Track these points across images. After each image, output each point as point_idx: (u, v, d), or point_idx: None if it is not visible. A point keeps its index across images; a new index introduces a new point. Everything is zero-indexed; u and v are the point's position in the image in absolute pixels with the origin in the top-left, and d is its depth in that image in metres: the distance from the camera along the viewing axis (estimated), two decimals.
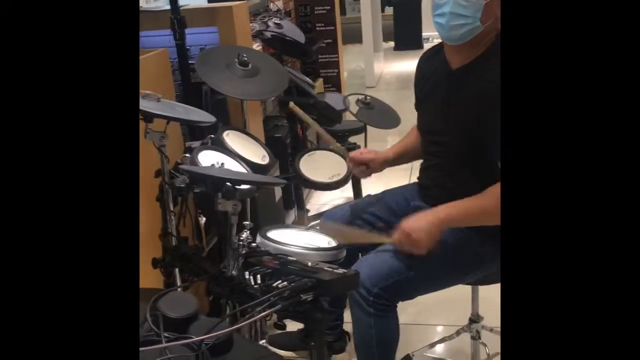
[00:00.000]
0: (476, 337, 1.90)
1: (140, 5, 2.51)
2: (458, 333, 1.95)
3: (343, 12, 8.61)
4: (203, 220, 1.76)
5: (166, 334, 0.99)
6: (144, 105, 1.44)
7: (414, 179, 1.76)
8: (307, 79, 2.76)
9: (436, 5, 1.44)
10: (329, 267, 1.20)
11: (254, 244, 1.45)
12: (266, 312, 1.07)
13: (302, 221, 2.67)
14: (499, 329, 1.92)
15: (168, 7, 2.07)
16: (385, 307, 1.44)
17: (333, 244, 1.50)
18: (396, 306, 1.48)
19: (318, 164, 2.09)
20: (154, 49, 1.98)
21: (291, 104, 1.80)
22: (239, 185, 1.40)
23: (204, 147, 1.67)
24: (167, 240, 1.61)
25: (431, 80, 1.61)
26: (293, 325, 1.20)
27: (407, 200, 1.70)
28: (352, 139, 2.64)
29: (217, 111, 2.29)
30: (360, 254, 1.63)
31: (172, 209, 1.59)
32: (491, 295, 1.80)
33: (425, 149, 1.68)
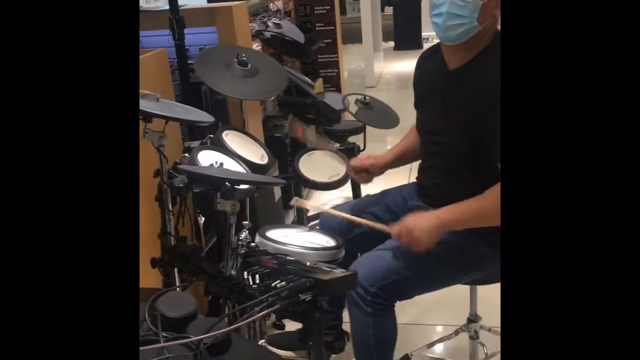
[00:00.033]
0: (474, 337, 1.90)
1: (140, 5, 2.51)
2: (456, 333, 1.95)
3: (343, 12, 8.61)
4: (202, 220, 1.76)
5: (164, 334, 0.99)
6: (143, 105, 1.44)
7: (413, 179, 1.76)
8: (307, 79, 2.76)
9: (433, 5, 1.45)
10: (327, 266, 1.20)
11: (252, 244, 1.45)
12: (264, 312, 1.07)
13: (301, 221, 2.67)
14: (497, 329, 1.92)
15: (167, 7, 2.08)
16: (383, 307, 1.44)
17: (332, 243, 1.50)
18: (394, 306, 1.49)
19: (317, 164, 2.09)
20: (153, 49, 1.98)
21: (295, 200, 1.73)
22: (238, 185, 1.41)
23: (203, 147, 1.68)
24: (166, 240, 1.62)
25: (429, 80, 1.62)
26: (292, 325, 1.20)
27: (405, 200, 1.70)
28: (351, 139, 2.64)
29: (216, 111, 2.30)
30: (359, 254, 1.63)
31: (170, 209, 1.59)
32: (489, 295, 1.80)
33: (424, 149, 1.68)
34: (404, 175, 2.04)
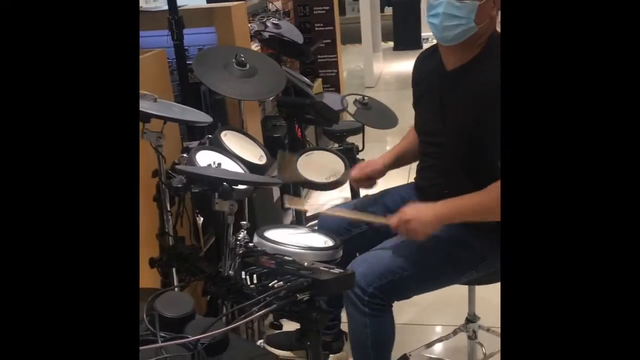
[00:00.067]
0: (473, 337, 1.90)
1: (140, 5, 2.51)
2: (455, 333, 1.95)
3: (342, 12, 8.61)
4: (200, 220, 1.76)
5: (162, 334, 0.99)
6: (141, 105, 1.45)
7: (412, 179, 1.76)
8: (305, 79, 2.76)
9: (430, 6, 1.45)
10: (325, 266, 1.21)
11: (251, 244, 1.45)
12: (262, 312, 1.08)
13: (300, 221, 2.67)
14: (496, 329, 1.92)
15: (167, 7, 2.08)
16: (380, 307, 1.44)
17: (330, 243, 1.50)
18: (391, 306, 1.49)
19: (316, 164, 2.09)
20: (152, 49, 1.98)
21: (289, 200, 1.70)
22: (236, 185, 1.41)
23: (202, 147, 1.68)
24: (164, 240, 1.62)
25: (427, 81, 1.62)
26: (291, 325, 1.20)
27: (404, 200, 1.70)
28: (350, 139, 2.64)
29: (215, 111, 2.30)
30: (357, 254, 1.64)
31: (169, 209, 1.59)
32: (488, 295, 1.81)
33: (422, 149, 1.69)
34: (403, 176, 2.04)
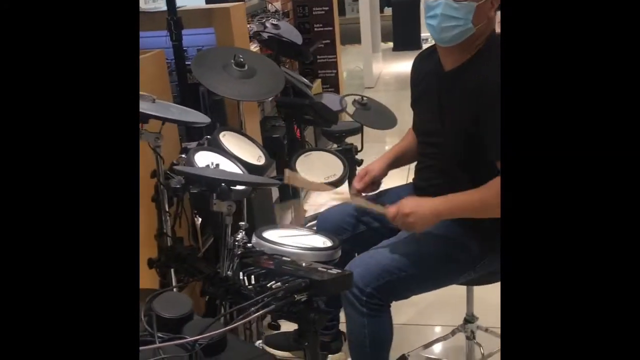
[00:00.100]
0: (471, 337, 1.91)
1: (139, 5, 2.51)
2: (453, 333, 1.95)
3: (342, 12, 8.61)
4: (199, 220, 1.76)
5: (160, 334, 0.99)
6: (139, 106, 1.45)
7: (411, 179, 1.77)
8: (304, 80, 2.77)
9: (428, 7, 1.45)
10: (323, 267, 1.21)
11: (249, 245, 1.45)
12: (260, 313, 1.08)
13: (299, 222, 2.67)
14: (494, 329, 1.93)
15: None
16: (378, 307, 1.44)
17: (328, 244, 1.50)
18: (389, 306, 1.49)
19: (314, 165, 2.09)
20: (151, 50, 1.98)
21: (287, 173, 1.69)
22: (234, 185, 1.41)
23: (200, 147, 1.68)
24: (163, 241, 1.62)
25: (425, 81, 1.62)
26: (290, 326, 1.20)
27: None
28: (348, 140, 2.64)
29: (214, 112, 2.30)
30: (356, 254, 1.64)
31: (167, 210, 1.60)
32: (486, 295, 1.81)
33: (421, 150, 1.69)
34: (402, 176, 2.04)
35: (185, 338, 0.97)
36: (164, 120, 1.51)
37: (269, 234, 1.49)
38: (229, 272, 1.44)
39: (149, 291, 1.18)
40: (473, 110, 1.44)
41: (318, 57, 4.55)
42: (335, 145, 2.64)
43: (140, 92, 1.50)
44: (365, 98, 2.59)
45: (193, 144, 1.83)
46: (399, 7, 7.42)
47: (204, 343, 0.98)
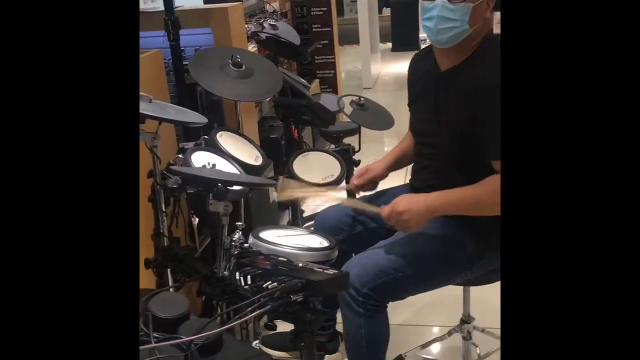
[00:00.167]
0: (467, 338, 1.91)
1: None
2: (450, 333, 1.96)
3: (341, 13, 8.62)
4: (196, 221, 1.76)
5: (156, 334, 0.99)
6: None
7: (408, 180, 1.77)
8: (302, 80, 2.76)
9: (424, 9, 1.46)
10: (319, 267, 1.21)
11: (246, 245, 1.45)
12: (256, 313, 1.08)
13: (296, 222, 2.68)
14: (491, 330, 1.93)
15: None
16: (374, 308, 1.44)
17: (325, 244, 1.51)
18: (386, 306, 1.49)
19: (312, 165, 2.09)
20: (148, 50, 1.98)
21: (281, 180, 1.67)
22: (230, 186, 1.41)
23: (197, 148, 1.68)
24: (160, 241, 1.62)
25: (422, 82, 1.63)
26: (286, 326, 1.21)
27: None
28: (346, 140, 2.64)
29: (212, 112, 2.30)
30: (353, 254, 1.64)
31: (164, 210, 1.60)
32: (483, 296, 1.81)
33: (418, 150, 1.69)
34: (400, 177, 2.04)
35: (181, 338, 0.97)
36: (161, 120, 1.51)
37: (266, 234, 1.49)
38: (225, 272, 1.44)
39: (146, 291, 1.18)
40: (468, 110, 1.44)
41: (316, 57, 4.55)
42: (332, 146, 2.64)
43: None
44: (362, 98, 2.59)
45: (190, 144, 1.83)
46: (397, 7, 7.43)
47: (199, 343, 0.98)
